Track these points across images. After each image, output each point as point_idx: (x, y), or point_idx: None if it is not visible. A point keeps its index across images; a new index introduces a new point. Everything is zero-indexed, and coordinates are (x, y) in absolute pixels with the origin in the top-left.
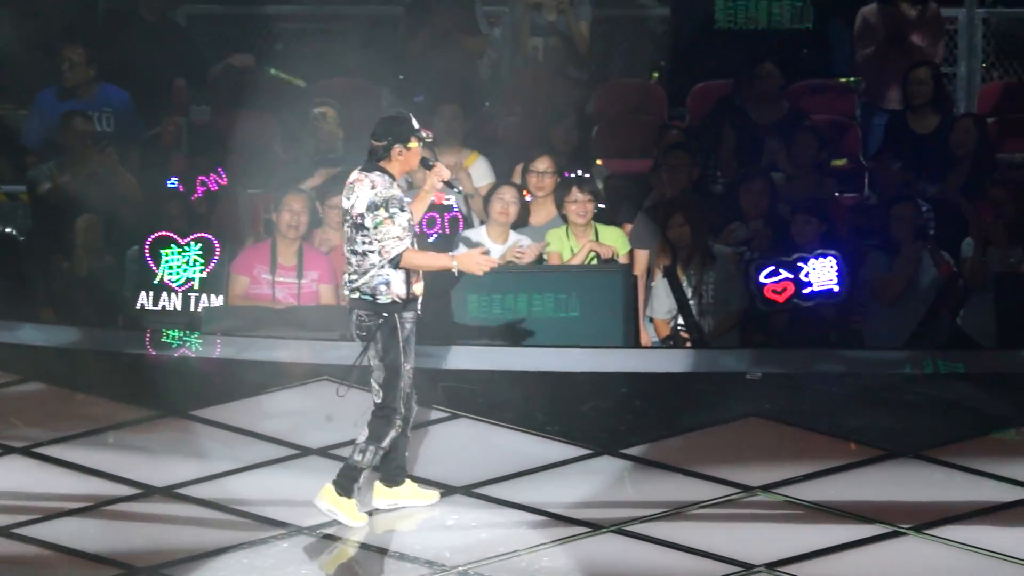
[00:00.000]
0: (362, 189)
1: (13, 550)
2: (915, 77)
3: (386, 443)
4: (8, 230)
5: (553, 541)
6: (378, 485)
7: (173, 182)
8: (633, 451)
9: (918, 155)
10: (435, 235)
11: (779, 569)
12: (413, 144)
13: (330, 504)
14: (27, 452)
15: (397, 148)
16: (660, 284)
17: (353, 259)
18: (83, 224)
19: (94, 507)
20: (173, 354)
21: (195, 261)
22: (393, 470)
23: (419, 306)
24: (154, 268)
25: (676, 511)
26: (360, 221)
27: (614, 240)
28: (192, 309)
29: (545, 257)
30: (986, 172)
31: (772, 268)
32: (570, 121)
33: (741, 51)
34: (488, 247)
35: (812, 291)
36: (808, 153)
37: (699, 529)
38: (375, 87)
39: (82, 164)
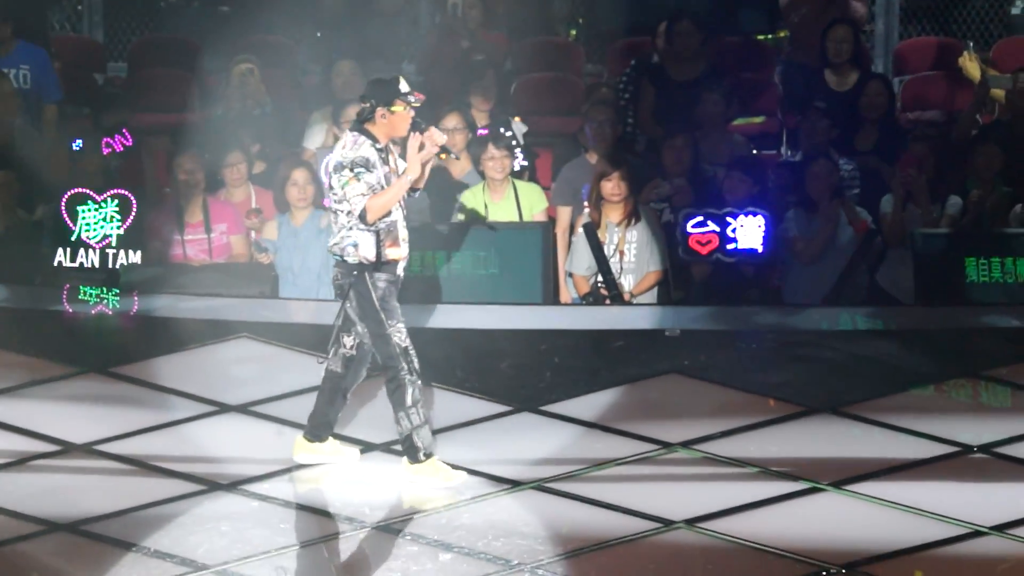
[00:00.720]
0: (337, 149)
1: None
2: (834, 35)
3: (410, 401)
4: None
5: (472, 498)
6: (299, 439)
7: (78, 144)
8: (552, 408)
9: (836, 113)
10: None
11: (699, 525)
12: (397, 107)
13: (416, 476)
14: None
15: (381, 111)
16: (580, 240)
17: (331, 217)
18: None
19: (14, 463)
20: (91, 311)
21: (112, 217)
22: (318, 426)
23: (400, 269)
24: (71, 225)
25: (596, 467)
26: (329, 181)
27: (532, 197)
28: (110, 266)
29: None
30: (897, 133)
31: (700, 219)
32: (488, 78)
33: (659, 8)
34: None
35: (736, 248)
36: (716, 112)
37: (619, 486)
38: (293, 45)
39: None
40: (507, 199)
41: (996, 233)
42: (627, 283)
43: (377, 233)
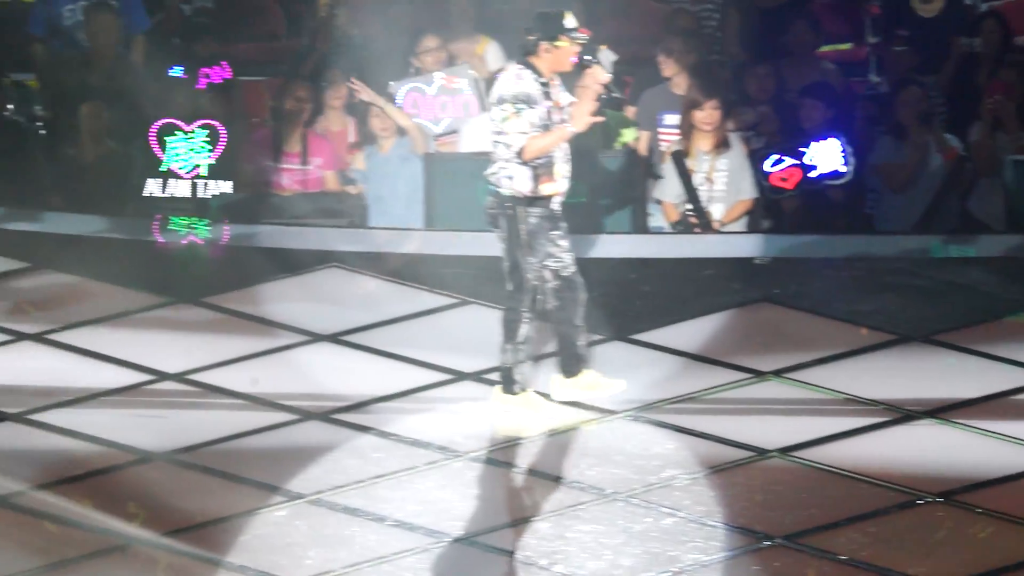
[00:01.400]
0: (500, 81)
1: (35, 439)
2: None
3: (521, 336)
4: (16, 117)
5: (565, 428)
6: (557, 378)
7: (177, 70)
8: (642, 337)
9: (922, 39)
10: (446, 119)
11: (792, 454)
12: (562, 43)
13: (506, 406)
14: (40, 338)
15: (544, 45)
16: (669, 168)
17: (492, 149)
18: (87, 111)
19: (110, 393)
20: (182, 240)
21: (201, 147)
22: (569, 359)
23: (555, 204)
24: (160, 155)
25: (689, 397)
26: (491, 112)
27: (623, 125)
28: (200, 195)
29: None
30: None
31: (777, 157)
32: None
33: None
34: None
35: (819, 174)
36: (803, 39)
37: (712, 416)
38: None
39: (104, 57)
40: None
41: None
42: (716, 212)
43: (534, 168)
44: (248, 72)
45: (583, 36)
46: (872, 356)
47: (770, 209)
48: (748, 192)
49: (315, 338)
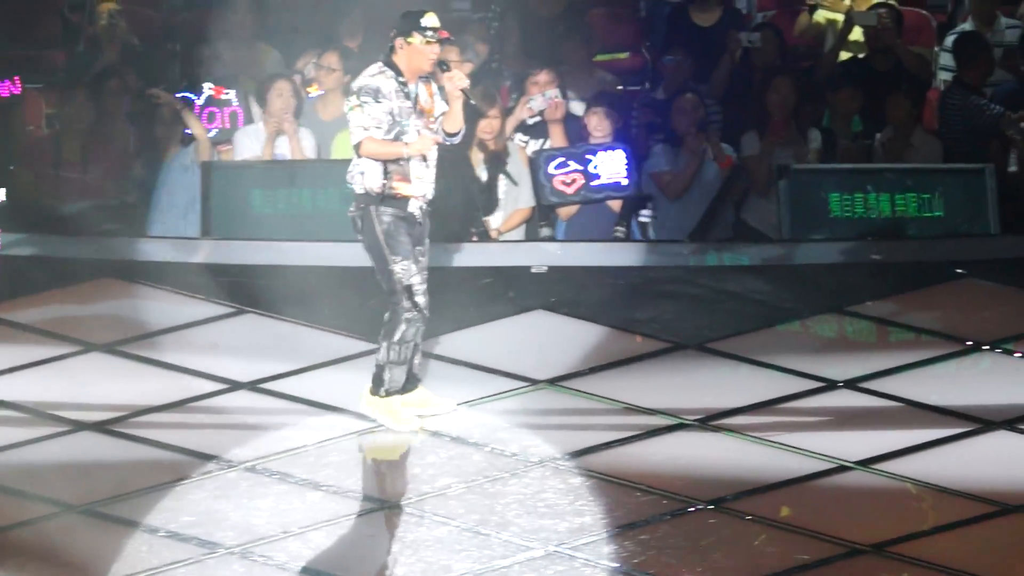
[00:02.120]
0: (360, 75)
1: None
2: None
3: (398, 336)
4: None
5: (340, 435)
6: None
7: None
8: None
9: (700, 48)
10: (215, 129)
11: (565, 463)
12: (413, 39)
13: (369, 407)
14: None
15: (399, 41)
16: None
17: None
18: None
19: None
20: None
21: None
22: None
23: (412, 207)
24: None
25: (466, 404)
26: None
27: None
28: None
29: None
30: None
31: (561, 160)
32: (356, 14)
33: None
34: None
35: (601, 183)
36: (579, 47)
37: (487, 427)
38: None
39: None
40: None
41: (859, 168)
42: (494, 220)
43: (384, 165)
44: (26, 79)
45: (439, 36)
46: (647, 364)
47: (546, 212)
48: (526, 201)
49: (88, 348)
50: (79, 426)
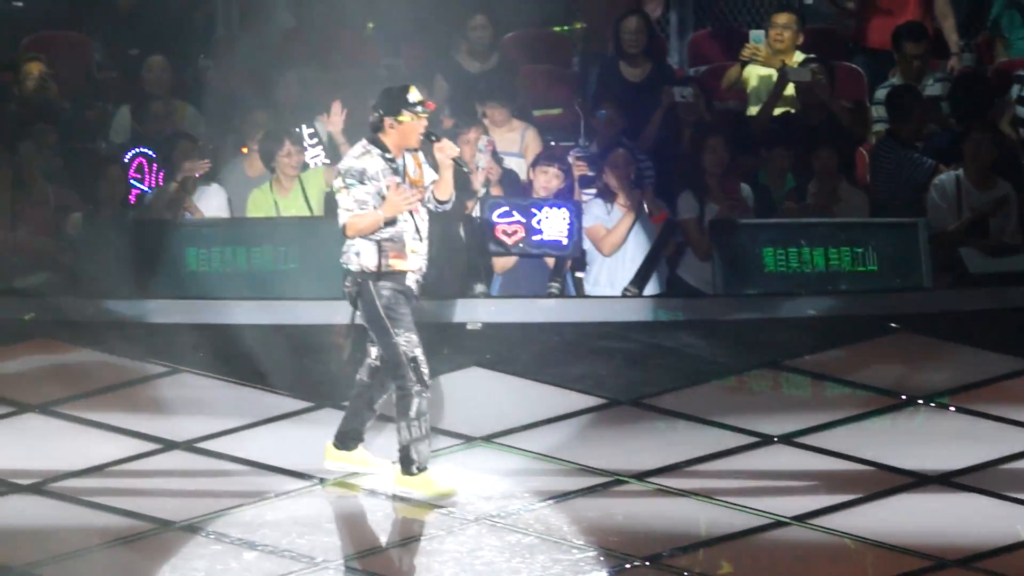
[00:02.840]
0: (346, 155)
1: None
2: (626, 26)
3: (414, 412)
4: None
5: (277, 495)
6: (328, 446)
7: None
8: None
9: (631, 103)
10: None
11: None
12: (405, 117)
13: (403, 487)
14: None
15: (388, 120)
16: None
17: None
18: None
19: None
20: None
21: None
22: (346, 435)
23: (410, 280)
24: None
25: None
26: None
27: (319, 183)
28: None
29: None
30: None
31: (506, 208)
32: (292, 75)
33: (457, 3)
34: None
35: (541, 240)
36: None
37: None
38: (87, 39)
39: None
40: (295, 193)
41: (793, 223)
42: (429, 275)
43: (379, 243)
44: None
45: (428, 110)
46: (583, 420)
47: (482, 268)
48: (461, 255)
49: (22, 408)
50: (12, 488)
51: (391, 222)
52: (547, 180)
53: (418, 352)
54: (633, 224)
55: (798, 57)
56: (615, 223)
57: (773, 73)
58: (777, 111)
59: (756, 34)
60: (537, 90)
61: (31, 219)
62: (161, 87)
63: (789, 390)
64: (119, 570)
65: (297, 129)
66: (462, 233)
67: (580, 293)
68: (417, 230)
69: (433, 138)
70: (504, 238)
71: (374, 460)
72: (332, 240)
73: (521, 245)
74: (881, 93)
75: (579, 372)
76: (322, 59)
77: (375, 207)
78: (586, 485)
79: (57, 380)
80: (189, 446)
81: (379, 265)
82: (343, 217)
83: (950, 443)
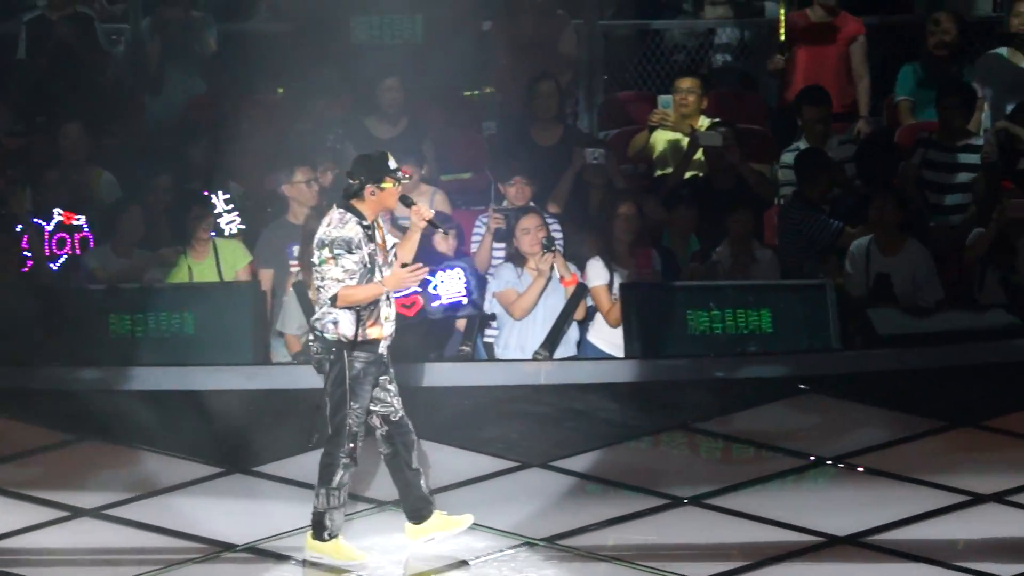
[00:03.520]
0: (323, 225)
1: None
2: (539, 90)
3: (336, 483)
4: None
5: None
6: (408, 526)
7: None
8: (264, 468)
9: (541, 167)
10: (64, 256)
11: None
12: (387, 184)
13: (314, 552)
14: None
15: (369, 188)
16: (291, 299)
17: (313, 292)
18: None
19: None
20: None
21: None
22: (413, 507)
23: (382, 348)
24: None
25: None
26: (311, 257)
27: (234, 254)
28: None
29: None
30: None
31: None
32: (206, 139)
33: (366, 67)
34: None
35: (441, 303)
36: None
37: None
38: None
39: None
40: (208, 259)
41: (702, 286)
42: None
43: (358, 312)
44: None
45: (406, 176)
46: (494, 483)
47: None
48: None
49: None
50: None
51: None
52: (441, 239)
53: (360, 430)
54: (544, 288)
55: (704, 121)
56: (526, 287)
57: (680, 137)
58: (687, 175)
59: (664, 99)
60: (447, 154)
61: None
62: (77, 153)
63: (699, 452)
64: None
65: (207, 193)
66: None
67: (491, 356)
68: (388, 296)
69: (408, 203)
70: (404, 311)
71: (455, 518)
72: (240, 305)
73: (421, 314)
74: (788, 157)
75: (489, 435)
76: (231, 125)
77: (367, 278)
78: (497, 548)
79: None
80: (97, 513)
81: (356, 334)
82: (333, 288)
83: (859, 504)
